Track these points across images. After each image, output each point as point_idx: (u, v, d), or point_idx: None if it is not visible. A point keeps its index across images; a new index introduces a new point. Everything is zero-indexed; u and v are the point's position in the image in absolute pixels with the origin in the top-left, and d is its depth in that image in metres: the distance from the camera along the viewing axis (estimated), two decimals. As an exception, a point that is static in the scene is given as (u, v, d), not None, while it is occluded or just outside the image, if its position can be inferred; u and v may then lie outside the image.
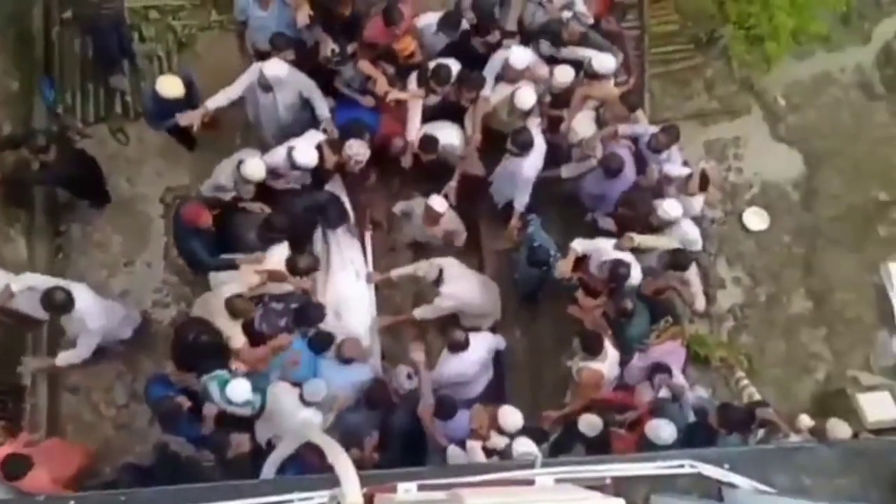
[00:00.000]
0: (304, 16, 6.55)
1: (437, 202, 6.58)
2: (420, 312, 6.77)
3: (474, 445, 5.64)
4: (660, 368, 6.01)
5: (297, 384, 5.87)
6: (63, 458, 5.93)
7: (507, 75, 6.64)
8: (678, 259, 6.27)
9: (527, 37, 6.92)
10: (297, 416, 5.69)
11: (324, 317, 6.29)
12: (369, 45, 6.72)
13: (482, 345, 6.37)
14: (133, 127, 7.75)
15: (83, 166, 7.07)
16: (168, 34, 7.92)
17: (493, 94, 6.68)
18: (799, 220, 7.71)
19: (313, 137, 6.59)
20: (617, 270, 6.14)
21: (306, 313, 6.24)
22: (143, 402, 6.56)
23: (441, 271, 6.54)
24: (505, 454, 5.48)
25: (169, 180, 7.61)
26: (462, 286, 6.61)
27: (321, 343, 6.17)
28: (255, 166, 6.32)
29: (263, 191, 6.59)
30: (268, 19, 6.65)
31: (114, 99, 7.76)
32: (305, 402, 5.70)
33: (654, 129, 6.66)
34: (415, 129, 6.73)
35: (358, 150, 6.51)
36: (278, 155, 6.42)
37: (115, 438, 6.92)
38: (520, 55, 6.57)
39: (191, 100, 6.56)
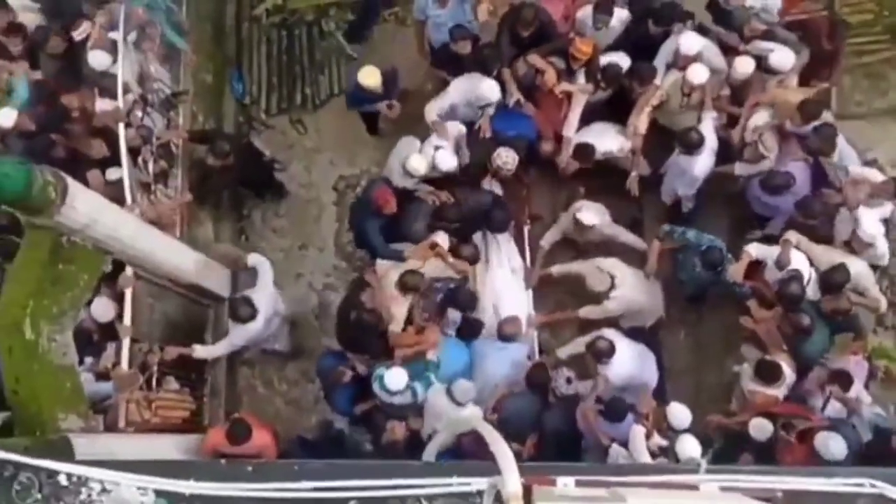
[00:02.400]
0: (484, 11, 6.65)
1: (586, 215, 6.50)
2: (585, 312, 6.64)
3: (638, 431, 5.55)
4: (838, 377, 5.63)
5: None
6: (267, 425, 6.33)
7: (679, 62, 6.44)
8: (832, 280, 5.86)
9: (703, 28, 6.68)
10: (454, 415, 5.76)
11: (476, 304, 6.44)
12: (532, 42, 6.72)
13: (626, 350, 6.16)
14: (311, 118, 8.17)
15: (257, 167, 7.56)
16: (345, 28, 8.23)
17: (663, 81, 6.50)
18: None
19: (457, 129, 6.73)
20: (787, 288, 5.81)
21: (460, 297, 6.39)
22: (312, 381, 6.92)
23: (612, 279, 6.41)
24: (668, 453, 5.35)
25: (342, 169, 7.94)
26: (630, 290, 6.47)
27: (471, 330, 6.30)
28: (417, 162, 6.50)
29: (433, 180, 6.74)
30: (446, 16, 6.78)
31: (295, 91, 8.20)
32: (457, 403, 5.77)
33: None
34: (574, 125, 6.68)
35: (506, 159, 6.54)
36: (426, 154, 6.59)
37: (285, 412, 7.34)
38: (691, 41, 6.37)
39: (388, 92, 6.83)
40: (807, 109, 6.16)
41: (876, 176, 6.18)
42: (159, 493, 3.08)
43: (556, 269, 6.80)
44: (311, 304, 7.62)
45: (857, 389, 5.76)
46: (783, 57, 6.31)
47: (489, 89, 6.63)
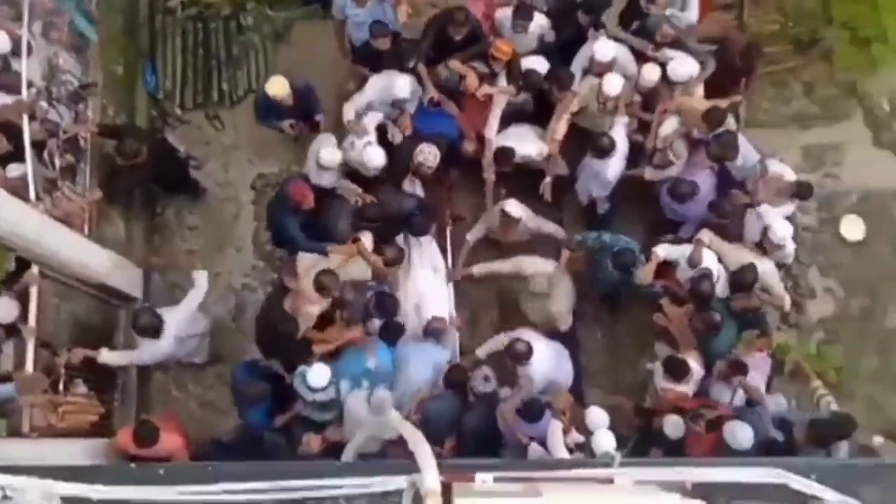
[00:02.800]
0: (403, 13, 6.65)
1: (513, 207, 6.57)
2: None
3: (556, 427, 5.64)
4: (735, 367, 5.86)
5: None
6: (178, 428, 6.21)
7: (594, 69, 6.57)
8: (741, 279, 6.13)
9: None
10: (373, 421, 5.68)
11: (398, 309, 6.41)
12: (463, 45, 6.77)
13: (544, 350, 6.22)
14: (228, 114, 8.00)
15: (171, 164, 7.34)
16: (265, 25, 8.12)
17: (580, 87, 6.62)
18: (898, 231, 7.37)
19: (375, 119, 6.71)
20: (699, 286, 6.03)
21: (385, 302, 6.35)
22: (228, 384, 6.77)
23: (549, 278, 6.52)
24: (585, 449, 5.45)
25: (261, 167, 7.81)
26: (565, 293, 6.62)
27: (393, 333, 6.30)
28: (329, 154, 6.44)
29: (357, 178, 6.70)
30: (365, 16, 6.73)
31: (211, 86, 8.02)
32: (374, 413, 5.68)
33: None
34: (494, 127, 6.73)
35: (428, 155, 6.54)
36: (354, 150, 6.57)
37: (200, 415, 7.16)
38: (605, 48, 6.49)
39: (298, 108, 6.70)
40: (711, 117, 6.36)
41: (791, 175, 6.47)
42: (66, 500, 2.95)
43: (477, 269, 6.84)
44: (228, 305, 7.45)
45: (759, 382, 5.99)
46: (681, 66, 6.47)
47: (401, 87, 6.61)
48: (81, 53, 7.11)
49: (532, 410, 5.71)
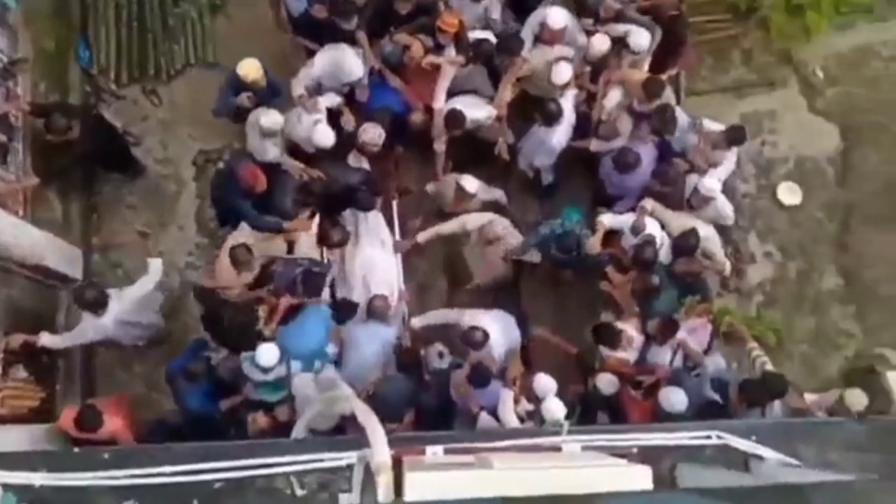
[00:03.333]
0: None
1: (469, 182, 6.59)
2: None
3: (507, 396, 5.69)
4: (669, 326, 5.98)
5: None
6: (123, 410, 6.11)
7: (544, 36, 6.58)
8: (684, 244, 6.26)
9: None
10: (323, 398, 5.59)
11: (323, 286, 6.38)
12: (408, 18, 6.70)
13: (495, 328, 6.23)
14: (166, 89, 7.80)
15: (108, 141, 7.11)
16: (202, -1, 7.90)
17: (531, 56, 6.62)
18: (833, 195, 7.57)
19: (331, 101, 6.63)
20: (642, 251, 6.15)
21: (311, 280, 6.29)
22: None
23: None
24: (534, 417, 5.52)
25: (201, 143, 7.64)
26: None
27: (346, 313, 6.27)
28: (270, 119, 6.33)
29: (298, 154, 6.62)
30: None
31: (147, 61, 7.80)
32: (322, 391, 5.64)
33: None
34: (441, 98, 6.68)
35: (372, 135, 6.49)
36: (301, 125, 6.48)
37: (146, 396, 7.04)
38: (557, 15, 6.52)
39: (272, 92, 6.55)
40: (649, 87, 6.44)
41: (720, 126, 6.62)
42: (6, 487, 2.90)
43: (421, 237, 6.82)
44: (172, 284, 7.32)
45: (699, 347, 6.15)
46: (641, 36, 6.53)
47: (353, 67, 6.55)
48: (7, 27, 6.84)
49: (480, 376, 5.74)
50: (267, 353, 5.73)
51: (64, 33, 7.63)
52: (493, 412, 5.73)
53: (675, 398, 5.50)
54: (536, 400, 5.71)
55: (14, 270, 6.29)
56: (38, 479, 2.93)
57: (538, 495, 2.25)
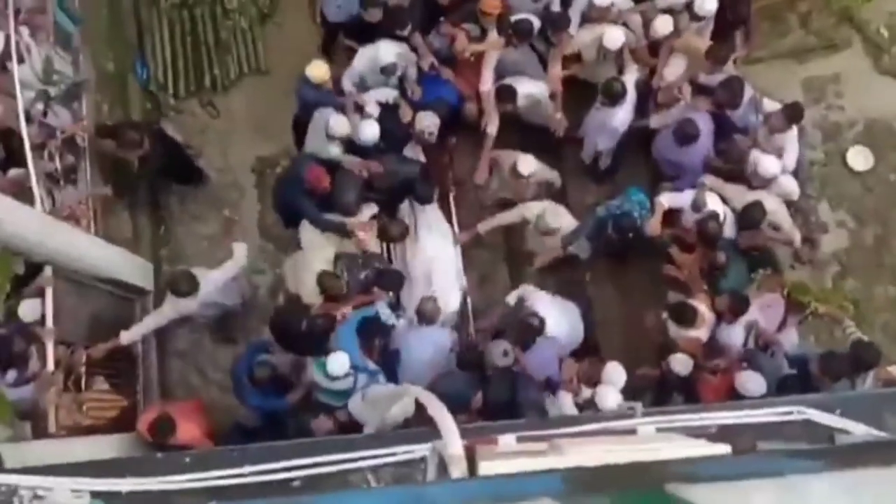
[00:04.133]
0: None
1: (524, 163, 6.52)
2: (540, 261, 6.78)
3: (565, 397, 5.66)
4: (738, 302, 5.87)
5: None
6: (199, 416, 6.29)
7: (592, 14, 6.49)
8: (749, 217, 6.10)
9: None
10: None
11: (402, 282, 6.39)
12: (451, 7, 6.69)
13: (555, 314, 6.22)
14: (222, 100, 7.95)
15: (173, 154, 7.27)
16: (250, 6, 8.02)
17: (577, 34, 6.54)
18: (907, 157, 7.29)
19: (387, 94, 6.66)
20: (706, 226, 6.01)
21: (385, 279, 6.30)
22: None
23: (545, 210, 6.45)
24: (593, 405, 5.45)
25: (259, 150, 7.76)
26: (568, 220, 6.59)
27: (392, 282, 6.32)
28: (339, 123, 6.40)
29: (357, 149, 6.64)
30: None
31: (203, 74, 7.96)
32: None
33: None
34: (489, 81, 6.64)
35: (429, 123, 6.50)
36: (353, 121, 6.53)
37: (221, 400, 7.19)
38: None
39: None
40: (714, 54, 6.29)
41: (777, 106, 6.41)
42: (95, 495, 2.99)
43: (481, 226, 6.82)
44: (241, 288, 7.45)
45: (773, 322, 5.99)
46: (707, 1, 6.33)
47: (385, 52, 6.50)
48: (69, 51, 7.06)
49: (525, 334, 5.77)
50: (339, 362, 5.71)
51: (121, 53, 7.84)
52: (550, 383, 5.77)
53: (752, 384, 5.39)
54: (596, 385, 5.64)
55: (91, 285, 6.48)
56: (125, 485, 3.02)
57: (608, 464, 2.19)
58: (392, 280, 6.36)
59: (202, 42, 8.00)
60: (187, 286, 6.12)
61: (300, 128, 6.89)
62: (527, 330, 5.90)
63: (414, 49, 6.70)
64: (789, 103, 6.40)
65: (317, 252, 6.40)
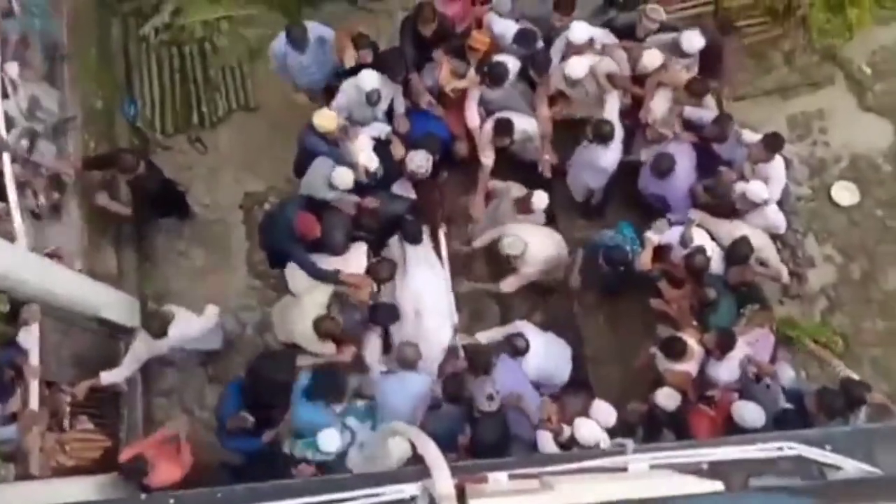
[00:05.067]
0: (351, 58, 6.57)
1: (539, 198, 6.52)
2: (507, 286, 6.68)
3: (544, 437, 5.64)
4: (725, 339, 5.88)
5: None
6: (180, 456, 6.16)
7: (570, 52, 6.55)
8: (736, 252, 6.14)
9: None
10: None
11: (397, 316, 6.37)
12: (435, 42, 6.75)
13: (541, 346, 6.27)
14: (210, 136, 7.97)
15: (163, 186, 7.25)
16: (240, 44, 8.08)
17: (559, 70, 6.60)
18: (892, 192, 7.33)
19: (380, 130, 6.69)
20: (692, 260, 6.04)
21: (381, 312, 6.29)
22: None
23: (525, 244, 6.41)
24: (573, 445, 5.44)
25: (247, 186, 7.76)
26: (540, 248, 6.53)
27: (387, 317, 6.34)
28: (345, 175, 6.36)
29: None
30: (308, 60, 6.69)
31: (191, 110, 7.98)
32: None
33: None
34: (473, 117, 6.70)
35: (420, 162, 6.51)
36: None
37: (208, 439, 7.07)
38: (578, 30, 6.49)
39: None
40: (694, 87, 6.41)
41: (757, 137, 6.44)
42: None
43: (477, 243, 6.82)
44: (228, 327, 7.39)
45: (763, 357, 6.01)
46: (693, 38, 6.45)
47: (367, 80, 6.49)
48: (57, 87, 7.07)
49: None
50: (329, 438, 5.76)
51: (110, 90, 7.86)
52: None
53: (750, 414, 5.39)
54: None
55: (76, 323, 6.42)
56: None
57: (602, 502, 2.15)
58: (386, 314, 6.33)
59: (191, 79, 8.04)
60: (158, 327, 6.14)
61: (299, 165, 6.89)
62: (512, 349, 6.00)
63: (407, 86, 6.75)
64: (768, 133, 6.43)
65: (309, 298, 6.30)
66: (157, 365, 6.93)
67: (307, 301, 6.25)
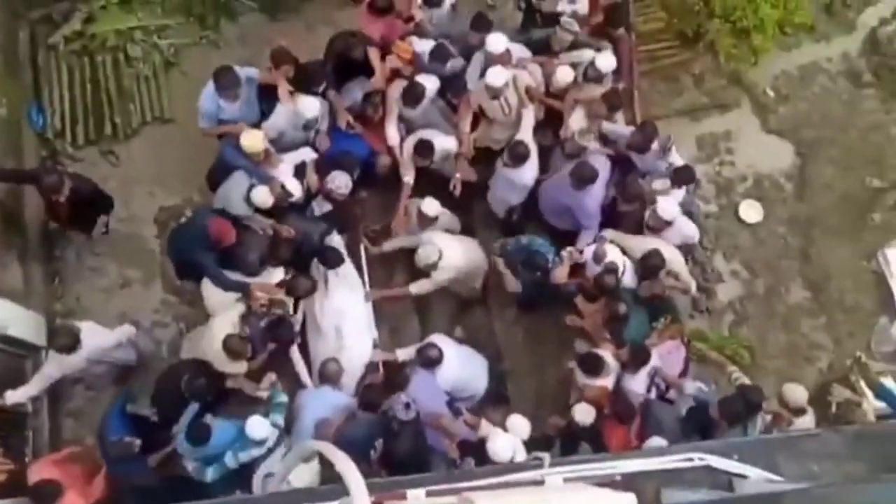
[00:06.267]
0: (284, 91, 6.55)
1: (429, 206, 6.60)
2: (417, 288, 6.68)
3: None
4: (639, 354, 6.08)
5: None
6: (89, 476, 5.95)
7: (490, 64, 6.62)
8: (648, 265, 6.32)
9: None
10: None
11: (294, 336, 6.33)
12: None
13: (455, 357, 6.32)
14: (123, 148, 7.74)
15: (95, 195, 7.02)
16: (154, 54, 7.91)
17: (476, 86, 6.70)
18: (793, 210, 7.70)
19: (304, 155, 6.70)
20: (602, 280, 6.21)
21: (280, 329, 6.19)
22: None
23: (440, 251, 6.43)
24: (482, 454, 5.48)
25: (162, 200, 7.57)
26: (455, 257, 6.57)
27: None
28: (264, 194, 6.33)
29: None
30: (241, 110, 6.60)
31: (103, 121, 7.73)
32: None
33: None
34: (393, 134, 6.77)
35: (339, 183, 6.51)
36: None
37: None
38: (495, 40, 6.56)
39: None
40: (609, 99, 6.59)
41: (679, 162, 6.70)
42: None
43: (387, 245, 6.86)
44: (141, 345, 7.17)
45: (675, 369, 6.21)
46: (607, 59, 6.64)
47: (309, 107, 6.55)
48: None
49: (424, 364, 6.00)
50: (258, 426, 5.69)
51: (16, 98, 7.56)
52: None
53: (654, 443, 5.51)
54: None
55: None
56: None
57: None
58: (285, 330, 6.22)
59: (103, 89, 7.81)
60: (67, 341, 5.94)
61: (215, 177, 6.79)
62: (425, 359, 6.04)
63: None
64: (678, 167, 6.61)
65: (223, 316, 6.19)
66: (66, 385, 6.68)
67: (218, 322, 6.15)
